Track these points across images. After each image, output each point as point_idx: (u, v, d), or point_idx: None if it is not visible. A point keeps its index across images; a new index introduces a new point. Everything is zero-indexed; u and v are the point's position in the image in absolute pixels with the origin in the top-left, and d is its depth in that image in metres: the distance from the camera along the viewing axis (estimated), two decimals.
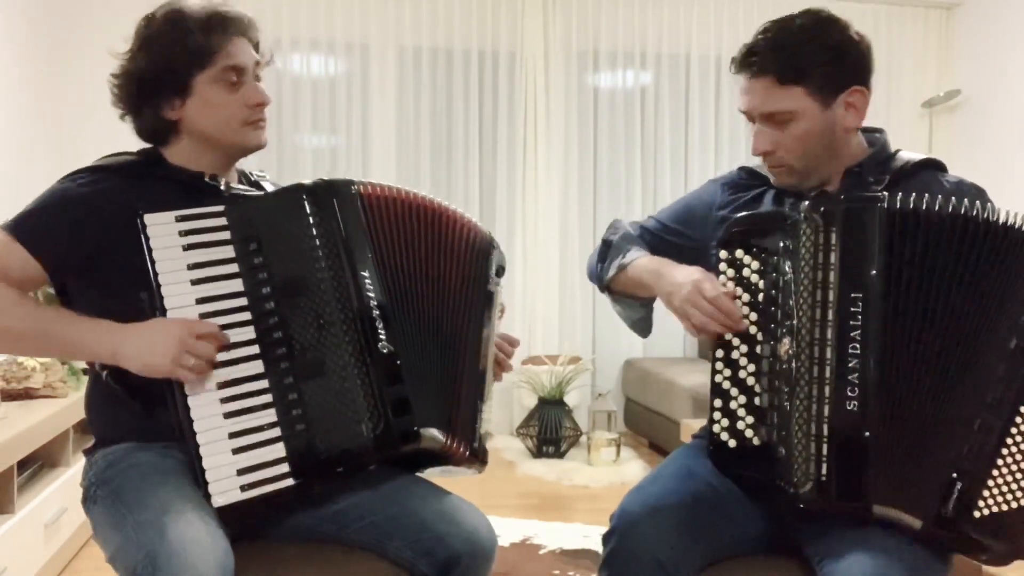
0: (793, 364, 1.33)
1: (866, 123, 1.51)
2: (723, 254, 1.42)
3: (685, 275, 1.44)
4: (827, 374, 1.29)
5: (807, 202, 1.36)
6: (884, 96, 5.00)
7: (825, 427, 1.29)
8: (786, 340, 1.35)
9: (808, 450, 1.29)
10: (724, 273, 1.42)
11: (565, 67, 4.79)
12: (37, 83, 3.87)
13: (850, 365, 1.28)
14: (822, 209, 1.33)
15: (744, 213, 1.48)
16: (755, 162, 1.58)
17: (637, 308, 1.68)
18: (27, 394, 2.71)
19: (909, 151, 1.54)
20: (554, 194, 4.78)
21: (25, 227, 1.37)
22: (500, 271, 1.62)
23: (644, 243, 1.65)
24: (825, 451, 1.28)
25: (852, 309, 1.29)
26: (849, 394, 1.28)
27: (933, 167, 1.52)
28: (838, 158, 1.48)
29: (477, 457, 1.52)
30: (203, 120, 1.44)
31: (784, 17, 1.43)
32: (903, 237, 1.29)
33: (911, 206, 1.30)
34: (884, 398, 1.28)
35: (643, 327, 1.72)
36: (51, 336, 1.34)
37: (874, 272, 1.29)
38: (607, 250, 1.66)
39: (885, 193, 1.34)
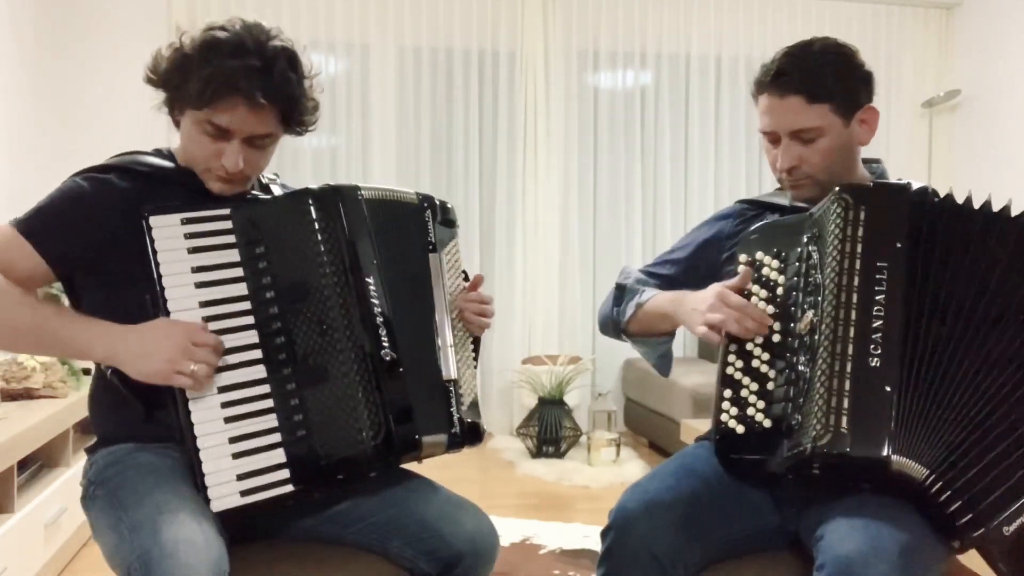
0: (816, 331, 1.34)
1: None
2: (742, 257, 1.46)
3: (708, 291, 1.46)
4: (851, 333, 1.31)
5: (839, 186, 1.40)
6: (884, 96, 4.98)
7: (847, 382, 1.29)
8: (809, 313, 1.36)
9: (829, 405, 1.28)
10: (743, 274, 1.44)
11: (565, 67, 4.79)
12: (42, 75, 3.87)
13: (874, 325, 1.31)
14: (852, 189, 1.38)
15: (764, 222, 1.51)
16: (746, 190, 1.61)
17: (658, 345, 1.70)
18: (27, 394, 2.71)
19: (910, 177, 1.59)
20: (554, 194, 4.78)
21: (34, 225, 1.37)
22: (446, 223, 1.57)
23: (656, 286, 1.66)
24: (846, 404, 1.28)
25: (878, 276, 1.32)
26: (872, 351, 1.30)
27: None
28: (851, 174, 1.54)
29: (464, 442, 1.49)
30: (183, 142, 1.45)
31: (802, 42, 1.52)
32: (930, 217, 1.35)
33: (937, 196, 1.37)
34: (907, 358, 1.30)
35: (667, 364, 1.73)
36: (49, 333, 1.34)
37: (899, 245, 1.33)
38: (622, 293, 1.68)
39: (911, 183, 1.41)
